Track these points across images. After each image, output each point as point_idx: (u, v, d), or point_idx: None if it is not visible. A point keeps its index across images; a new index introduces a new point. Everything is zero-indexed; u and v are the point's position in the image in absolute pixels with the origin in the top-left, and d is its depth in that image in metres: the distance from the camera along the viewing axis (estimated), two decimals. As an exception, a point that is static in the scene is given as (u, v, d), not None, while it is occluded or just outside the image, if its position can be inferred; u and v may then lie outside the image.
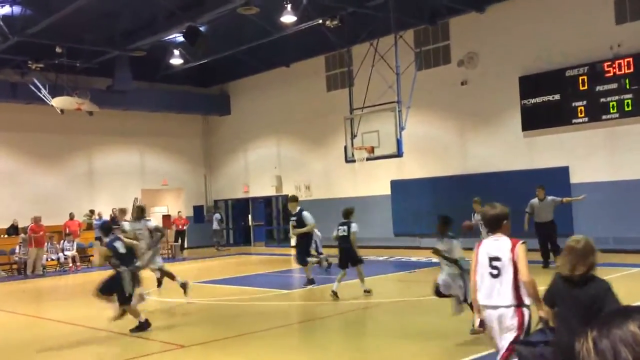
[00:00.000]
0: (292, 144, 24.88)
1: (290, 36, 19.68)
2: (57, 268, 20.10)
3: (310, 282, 12.77)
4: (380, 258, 18.05)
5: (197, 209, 27.91)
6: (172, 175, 26.95)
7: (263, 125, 25.78)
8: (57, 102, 20.26)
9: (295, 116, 24.33)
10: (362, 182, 21.56)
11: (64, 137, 23.49)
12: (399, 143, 15.83)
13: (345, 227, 11.13)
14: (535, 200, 12.14)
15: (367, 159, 16.76)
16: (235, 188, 27.36)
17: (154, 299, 12.02)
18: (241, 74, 25.64)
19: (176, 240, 23.79)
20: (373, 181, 21.33)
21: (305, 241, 12.98)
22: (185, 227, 24.48)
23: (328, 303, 10.69)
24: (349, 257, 11.11)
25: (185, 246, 24.49)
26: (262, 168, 25.98)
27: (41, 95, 20.22)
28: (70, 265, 20.11)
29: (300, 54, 22.87)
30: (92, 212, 23.55)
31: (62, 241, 20.38)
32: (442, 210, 19.44)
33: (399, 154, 16.03)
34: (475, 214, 11.97)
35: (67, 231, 20.92)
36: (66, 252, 20.28)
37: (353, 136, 16.97)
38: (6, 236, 21.06)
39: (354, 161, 17.22)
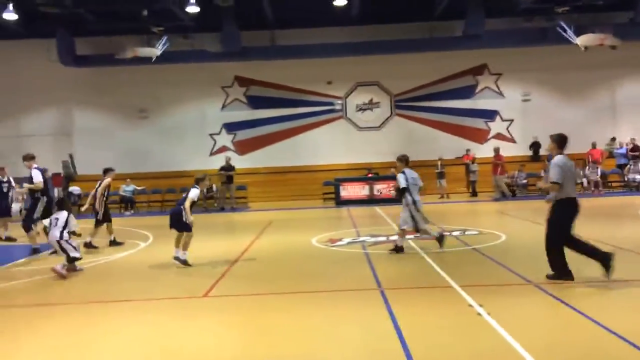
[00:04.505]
0: None
1: None
2: (581, 191, 19.92)
3: (36, 251, 9.98)
4: None
5: None
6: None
7: None
8: (582, 40, 19.71)
9: None
10: None
11: (586, 73, 22.73)
12: None
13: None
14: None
15: None
16: None
17: None
18: None
19: None
20: None
21: (33, 203, 10.05)
22: None
23: None
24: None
25: None
26: None
27: (567, 36, 19.88)
28: (593, 189, 19.70)
29: None
30: (613, 140, 22.29)
31: (586, 167, 20.11)
32: None
33: None
34: None
35: (591, 159, 20.44)
36: (591, 178, 19.95)
37: None
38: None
39: None
